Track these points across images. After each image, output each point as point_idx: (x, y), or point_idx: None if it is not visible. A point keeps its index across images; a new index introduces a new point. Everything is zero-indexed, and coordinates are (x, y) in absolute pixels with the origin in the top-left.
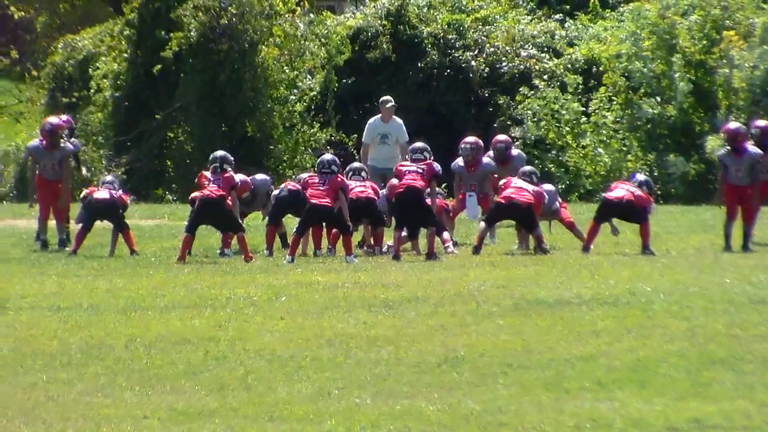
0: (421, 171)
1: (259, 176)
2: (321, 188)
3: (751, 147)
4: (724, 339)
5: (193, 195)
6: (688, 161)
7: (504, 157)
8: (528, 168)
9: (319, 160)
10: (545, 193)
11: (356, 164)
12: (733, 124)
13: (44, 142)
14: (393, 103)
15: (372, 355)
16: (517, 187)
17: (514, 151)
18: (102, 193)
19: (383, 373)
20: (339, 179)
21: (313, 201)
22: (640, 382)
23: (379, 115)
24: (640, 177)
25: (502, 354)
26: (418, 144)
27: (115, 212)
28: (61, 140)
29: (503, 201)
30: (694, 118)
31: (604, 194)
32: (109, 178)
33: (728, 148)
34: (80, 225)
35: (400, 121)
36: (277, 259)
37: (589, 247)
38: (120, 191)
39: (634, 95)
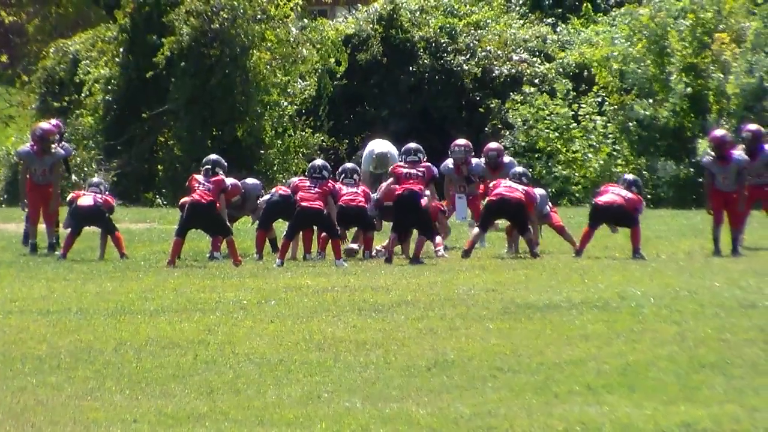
0: (421, 174)
1: (250, 180)
2: (311, 192)
3: (737, 154)
4: (713, 343)
5: (183, 200)
6: (679, 165)
7: (496, 164)
8: (519, 169)
9: (310, 164)
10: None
11: (349, 165)
12: (719, 132)
13: (35, 147)
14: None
15: (361, 358)
16: (507, 186)
17: (506, 158)
18: (86, 200)
19: (372, 377)
20: (330, 184)
21: (304, 204)
22: (630, 386)
23: (375, 156)
24: (629, 177)
25: (491, 358)
26: (412, 145)
27: (101, 218)
28: (52, 145)
29: (494, 198)
30: (685, 121)
31: (594, 199)
32: (95, 179)
33: (713, 155)
34: (69, 230)
35: (395, 153)
36: (266, 263)
37: (582, 252)
38: (106, 193)
39: (627, 96)
